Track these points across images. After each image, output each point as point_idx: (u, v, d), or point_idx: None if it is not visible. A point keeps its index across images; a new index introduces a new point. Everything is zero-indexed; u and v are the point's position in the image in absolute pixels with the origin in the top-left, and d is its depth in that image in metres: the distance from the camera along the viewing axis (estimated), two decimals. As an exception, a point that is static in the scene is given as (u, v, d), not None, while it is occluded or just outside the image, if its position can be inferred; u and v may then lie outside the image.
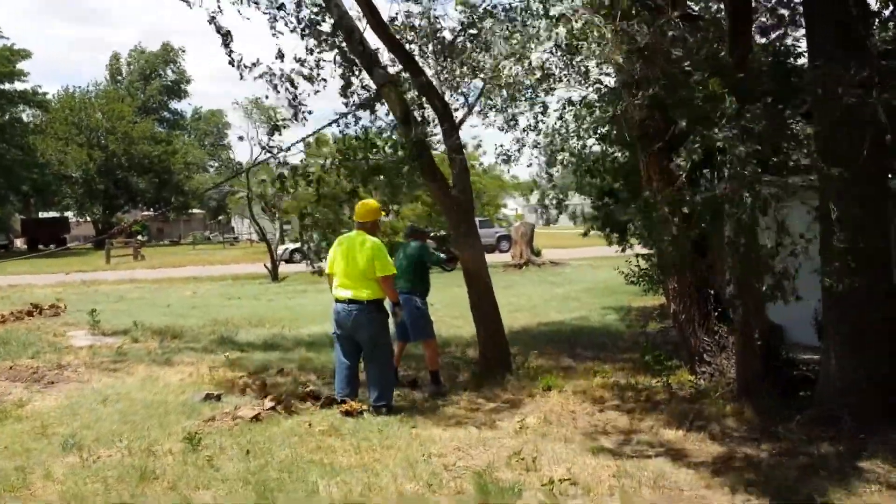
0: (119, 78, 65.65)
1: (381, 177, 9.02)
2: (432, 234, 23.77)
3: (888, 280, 5.66)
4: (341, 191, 9.31)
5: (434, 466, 4.95)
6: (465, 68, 8.54)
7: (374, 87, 8.17)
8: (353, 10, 7.78)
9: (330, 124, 9.05)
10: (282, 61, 8.18)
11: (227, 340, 10.49)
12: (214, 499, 4.46)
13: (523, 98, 9.50)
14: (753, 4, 6.06)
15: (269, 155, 8.76)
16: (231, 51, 8.07)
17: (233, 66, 8.12)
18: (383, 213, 7.03)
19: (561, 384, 7.14)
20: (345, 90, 8.32)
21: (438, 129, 8.12)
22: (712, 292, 6.95)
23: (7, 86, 44.96)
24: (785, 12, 5.69)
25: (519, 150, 9.89)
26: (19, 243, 52.05)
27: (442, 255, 8.16)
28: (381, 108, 8.66)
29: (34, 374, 8.25)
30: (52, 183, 48.40)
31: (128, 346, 10.10)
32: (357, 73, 8.52)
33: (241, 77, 8.35)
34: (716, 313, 6.85)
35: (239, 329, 11.64)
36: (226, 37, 8.01)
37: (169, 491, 4.58)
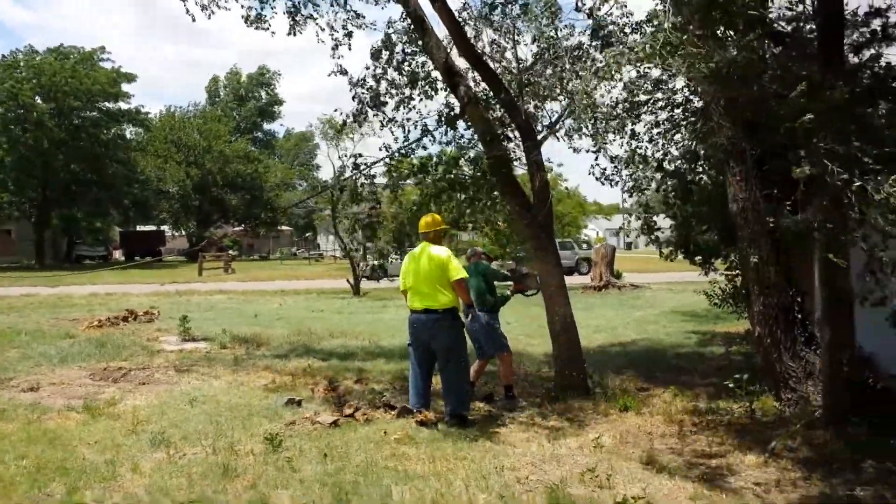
0: (217, 99, 68.62)
1: (460, 193, 9.12)
2: (510, 256, 23.92)
3: None
4: (412, 205, 9.48)
5: (506, 479, 4.96)
6: (545, 90, 8.53)
7: (456, 103, 8.32)
8: (432, 18, 8.00)
9: (414, 142, 9.24)
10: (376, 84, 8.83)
11: (310, 350, 10.77)
12: (292, 498, 4.59)
13: (606, 122, 9.35)
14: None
15: (351, 172, 9.07)
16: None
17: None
18: (445, 225, 7.10)
19: (638, 405, 7.02)
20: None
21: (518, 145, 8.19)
22: (799, 316, 6.71)
23: (112, 105, 47.45)
24: (878, 26, 5.46)
25: (616, 168, 9.58)
26: (117, 254, 54.76)
27: (506, 273, 8.21)
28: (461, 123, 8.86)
29: (126, 375, 8.69)
30: (150, 198, 50.61)
31: (216, 351, 10.53)
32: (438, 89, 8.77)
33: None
34: (803, 338, 6.61)
35: (321, 339, 11.93)
36: None
37: (249, 489, 4.75)
